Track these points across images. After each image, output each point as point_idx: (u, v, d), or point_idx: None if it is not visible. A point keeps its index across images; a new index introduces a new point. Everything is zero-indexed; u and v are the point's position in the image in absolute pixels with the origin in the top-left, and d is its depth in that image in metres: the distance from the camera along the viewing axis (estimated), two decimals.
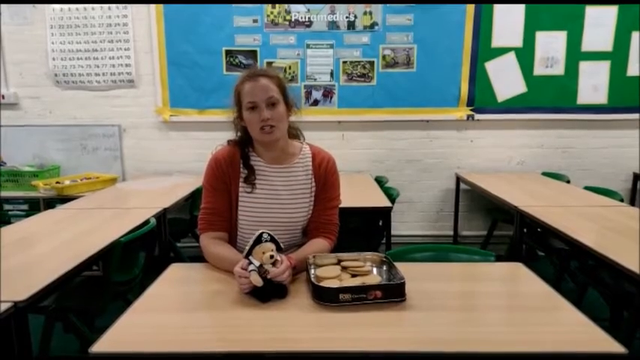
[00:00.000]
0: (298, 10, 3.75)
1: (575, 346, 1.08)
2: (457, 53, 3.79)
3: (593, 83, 3.81)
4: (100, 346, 1.08)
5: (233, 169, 1.63)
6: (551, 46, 3.77)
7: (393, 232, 2.87)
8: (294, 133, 1.73)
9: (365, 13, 3.76)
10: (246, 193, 1.62)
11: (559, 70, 3.80)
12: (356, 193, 3.08)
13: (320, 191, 1.67)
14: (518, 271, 1.57)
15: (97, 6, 3.77)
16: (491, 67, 3.82)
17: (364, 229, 3.07)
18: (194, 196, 3.21)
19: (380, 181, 3.48)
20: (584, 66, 3.79)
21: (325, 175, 1.67)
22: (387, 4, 3.73)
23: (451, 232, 4.11)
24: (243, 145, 1.66)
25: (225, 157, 1.64)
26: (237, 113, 1.61)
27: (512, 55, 3.80)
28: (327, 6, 3.74)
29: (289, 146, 1.68)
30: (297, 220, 1.64)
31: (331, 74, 3.84)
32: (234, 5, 3.72)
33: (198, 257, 1.66)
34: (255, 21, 3.76)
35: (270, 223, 1.59)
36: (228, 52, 3.79)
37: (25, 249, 1.94)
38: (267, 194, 1.62)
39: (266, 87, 1.53)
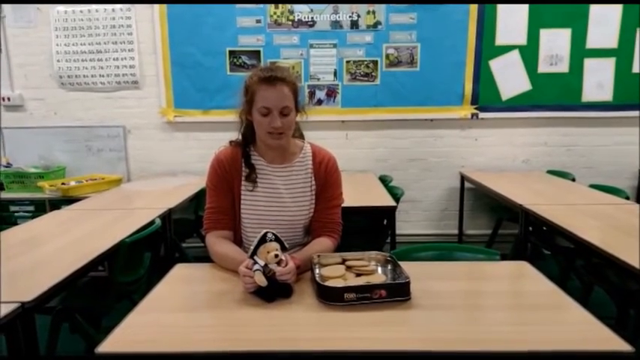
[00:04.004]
0: (301, 10, 3.75)
1: (581, 345, 1.08)
2: (461, 52, 3.78)
3: (598, 81, 3.79)
4: (106, 346, 1.09)
5: (235, 168, 1.64)
6: (555, 43, 3.75)
7: (397, 232, 2.87)
8: (294, 132, 1.72)
9: (368, 13, 3.75)
10: (248, 192, 1.63)
11: (563, 67, 3.79)
12: (360, 192, 3.08)
13: (321, 190, 1.67)
14: (524, 269, 1.57)
15: (100, 8, 3.79)
16: (496, 65, 3.80)
17: (369, 229, 3.07)
18: (199, 197, 3.22)
19: (384, 181, 3.48)
20: (588, 63, 3.77)
21: (326, 174, 1.68)
22: (391, 4, 3.72)
23: (456, 231, 4.10)
24: (245, 144, 1.67)
25: (227, 156, 1.65)
26: (247, 108, 1.59)
27: (516, 53, 3.78)
28: (330, 6, 3.74)
29: (291, 145, 1.69)
30: (299, 219, 1.64)
31: (335, 74, 3.84)
32: (237, 6, 3.72)
33: (203, 257, 1.67)
34: (258, 21, 3.76)
35: (272, 222, 1.59)
36: (232, 53, 3.80)
37: (31, 250, 1.95)
38: (268, 193, 1.63)
39: (283, 95, 1.52)
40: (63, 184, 3.45)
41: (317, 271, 1.42)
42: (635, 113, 3.80)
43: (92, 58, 3.86)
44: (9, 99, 3.88)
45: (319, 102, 3.87)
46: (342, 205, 1.74)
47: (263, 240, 1.33)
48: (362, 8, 3.74)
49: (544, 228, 2.79)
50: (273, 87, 1.51)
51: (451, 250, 1.82)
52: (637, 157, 3.90)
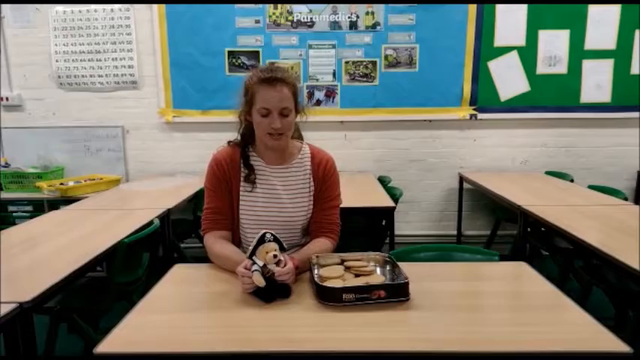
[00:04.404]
0: (300, 11, 3.75)
1: (579, 346, 1.08)
2: (460, 53, 3.78)
3: (597, 82, 3.80)
4: (104, 346, 1.08)
5: (233, 168, 1.63)
6: (553, 44, 3.76)
7: (396, 232, 2.87)
8: (294, 133, 1.72)
9: (367, 13, 3.76)
10: (246, 193, 1.62)
11: (562, 68, 3.79)
12: (359, 192, 3.08)
13: (319, 191, 1.67)
14: (522, 270, 1.57)
15: (99, 8, 3.78)
16: (494, 66, 3.81)
17: (367, 229, 3.07)
18: (197, 197, 3.22)
19: (383, 181, 3.48)
20: (587, 64, 3.78)
21: (324, 176, 1.68)
22: (389, 4, 3.73)
23: (455, 232, 4.10)
24: (244, 144, 1.67)
25: (225, 157, 1.64)
26: (246, 108, 1.59)
27: (514, 54, 3.79)
28: (329, 6, 3.74)
29: (289, 146, 1.68)
30: (297, 219, 1.64)
31: (333, 74, 3.84)
32: (236, 6, 3.73)
33: (201, 258, 1.66)
34: (257, 22, 3.76)
35: (270, 222, 1.59)
36: (231, 53, 3.80)
37: (30, 250, 1.94)
38: (267, 194, 1.63)
39: (282, 96, 1.51)
40: (61, 184, 3.44)
41: (316, 271, 1.42)
42: (633, 114, 3.81)
43: (91, 59, 3.86)
44: (7, 99, 3.87)
45: (318, 102, 3.87)
46: (341, 205, 1.74)
47: (262, 240, 1.33)
48: (361, 9, 3.75)
49: (543, 229, 2.79)
50: (273, 88, 1.51)
51: (450, 250, 1.82)
52: (635, 158, 3.91)
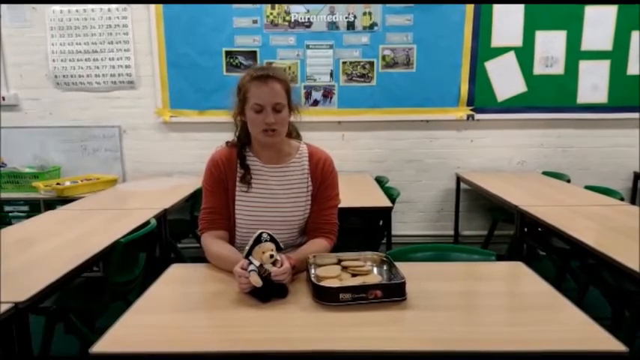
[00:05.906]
0: (298, 11, 3.75)
1: (576, 345, 1.08)
2: (457, 53, 3.79)
3: (593, 82, 3.81)
4: (100, 346, 1.08)
5: (230, 169, 1.64)
6: (550, 45, 3.77)
7: (393, 232, 2.87)
8: (291, 132, 1.73)
9: (364, 14, 3.76)
10: (242, 193, 1.63)
11: (559, 69, 3.80)
12: (356, 193, 3.08)
13: (317, 191, 1.67)
14: (519, 270, 1.57)
15: (96, 7, 3.77)
16: (491, 66, 3.82)
17: (365, 229, 3.07)
18: (194, 197, 3.21)
19: (380, 181, 3.48)
20: (584, 65, 3.79)
21: (322, 175, 1.67)
22: (387, 5, 3.73)
23: (452, 232, 4.10)
24: (241, 145, 1.67)
25: (222, 157, 1.65)
26: (240, 109, 1.60)
27: (511, 55, 3.80)
28: (327, 6, 3.74)
29: (286, 146, 1.68)
30: (294, 219, 1.64)
31: (331, 74, 3.84)
32: (233, 6, 3.72)
33: (198, 258, 1.66)
34: (254, 22, 3.76)
35: (267, 222, 1.59)
36: (228, 53, 3.79)
37: (26, 250, 1.94)
38: (263, 193, 1.63)
39: (275, 91, 1.53)
40: (58, 184, 3.43)
41: (312, 271, 1.42)
42: (630, 115, 3.82)
43: (88, 58, 3.85)
44: (4, 99, 3.86)
45: (315, 103, 3.87)
46: (339, 205, 1.74)
47: (258, 240, 1.33)
48: (358, 9, 3.75)
49: (539, 229, 2.79)
50: (265, 84, 1.52)
51: (447, 250, 1.82)
52: (632, 158, 3.92)
